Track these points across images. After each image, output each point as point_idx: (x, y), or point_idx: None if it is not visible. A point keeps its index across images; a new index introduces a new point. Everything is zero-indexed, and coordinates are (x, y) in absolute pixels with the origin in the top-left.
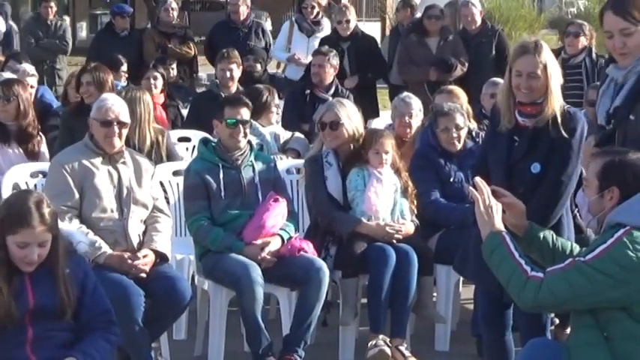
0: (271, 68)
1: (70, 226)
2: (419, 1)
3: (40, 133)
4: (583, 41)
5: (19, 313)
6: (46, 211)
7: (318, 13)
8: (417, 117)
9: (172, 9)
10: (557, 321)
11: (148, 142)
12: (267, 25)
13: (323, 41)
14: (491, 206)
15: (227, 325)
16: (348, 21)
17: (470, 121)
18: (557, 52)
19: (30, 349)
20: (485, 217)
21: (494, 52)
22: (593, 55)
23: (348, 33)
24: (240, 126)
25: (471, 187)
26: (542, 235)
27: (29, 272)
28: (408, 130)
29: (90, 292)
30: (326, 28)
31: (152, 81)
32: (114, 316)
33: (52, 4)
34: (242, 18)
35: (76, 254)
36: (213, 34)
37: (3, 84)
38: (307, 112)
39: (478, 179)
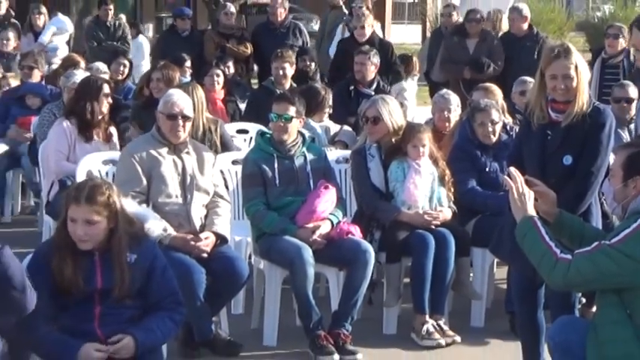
0: None
1: (142, 208)
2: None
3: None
4: (622, 43)
5: (87, 290)
6: (100, 196)
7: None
8: (455, 112)
9: (231, 13)
10: (584, 300)
11: (201, 130)
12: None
13: (340, 44)
14: (524, 194)
15: (281, 301)
16: (363, 27)
17: (505, 115)
18: (596, 53)
19: (97, 323)
20: (518, 203)
21: (535, 56)
22: (631, 57)
23: (364, 39)
24: (283, 121)
25: (505, 177)
26: (571, 222)
27: (100, 254)
28: (447, 124)
29: (158, 275)
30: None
31: (215, 78)
32: (181, 297)
33: (111, 6)
34: (280, 19)
35: (146, 238)
36: (255, 34)
37: (96, 81)
38: (352, 107)
39: (512, 169)
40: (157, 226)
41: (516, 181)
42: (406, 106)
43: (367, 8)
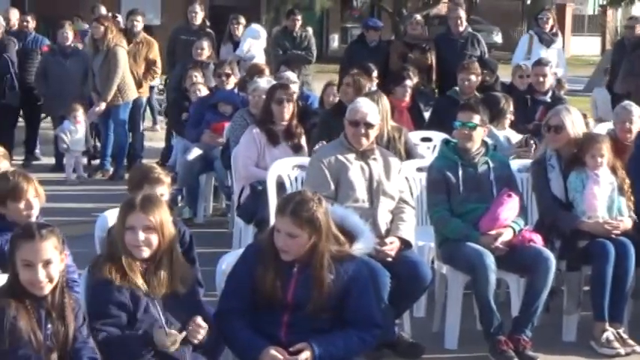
0: None
1: (361, 222)
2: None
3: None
4: None
5: (280, 299)
6: (305, 212)
7: (552, 26)
8: (636, 123)
9: (417, 23)
10: None
11: (385, 138)
12: (498, 39)
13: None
14: None
15: (462, 305)
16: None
17: None
18: None
19: (284, 331)
20: None
21: None
22: None
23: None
24: (467, 129)
25: None
26: None
27: (300, 267)
28: (629, 135)
29: (356, 295)
30: (559, 40)
31: (407, 88)
32: (377, 319)
33: (299, 16)
34: (460, 29)
35: (350, 257)
36: (435, 44)
37: (282, 87)
38: (529, 114)
39: None
40: (367, 245)
41: None
42: None
43: (553, 19)
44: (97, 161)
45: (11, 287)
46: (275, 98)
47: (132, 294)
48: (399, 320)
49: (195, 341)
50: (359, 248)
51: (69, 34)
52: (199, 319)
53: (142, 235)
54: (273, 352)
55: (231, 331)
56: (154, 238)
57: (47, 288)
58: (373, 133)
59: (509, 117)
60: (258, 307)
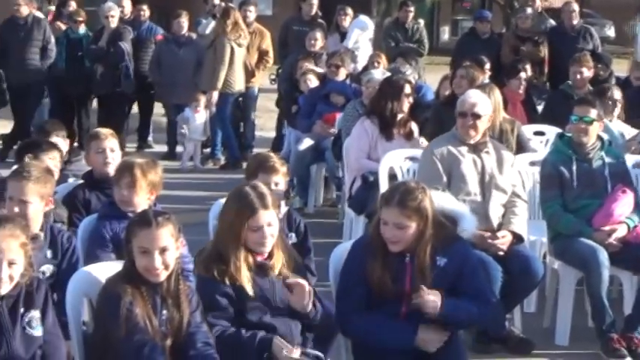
0: None
1: (459, 205)
2: None
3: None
4: None
5: (396, 291)
6: (412, 202)
7: None
8: None
9: (528, 16)
10: None
11: (497, 131)
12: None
13: None
14: None
15: (573, 301)
16: None
17: None
18: None
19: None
20: None
21: None
22: None
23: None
24: (584, 123)
25: None
26: None
27: (411, 256)
28: None
29: (468, 276)
30: None
31: (522, 80)
32: (489, 296)
33: (411, 8)
34: (574, 23)
35: (457, 240)
36: (548, 37)
37: (405, 81)
38: None
39: None
40: (470, 226)
41: None
42: None
43: None
44: (208, 150)
45: (127, 274)
46: (390, 92)
47: (234, 286)
48: (509, 315)
49: (302, 307)
50: (464, 229)
51: (185, 23)
52: (300, 280)
53: (267, 231)
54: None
55: (362, 325)
56: (275, 231)
57: (163, 275)
58: (482, 125)
59: (618, 108)
60: (373, 301)
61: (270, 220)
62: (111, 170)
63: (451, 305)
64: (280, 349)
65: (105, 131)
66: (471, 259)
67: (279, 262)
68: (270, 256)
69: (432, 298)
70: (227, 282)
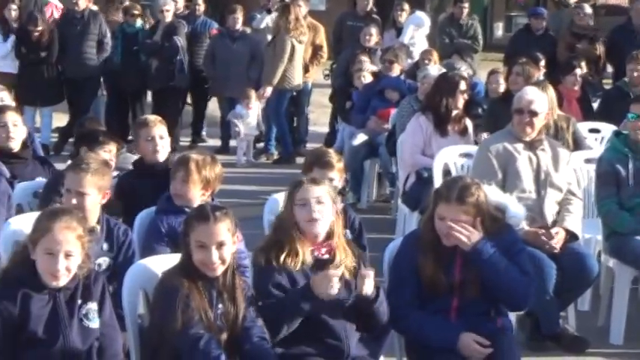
0: None
1: (504, 196)
2: None
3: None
4: None
5: (447, 283)
6: (470, 197)
7: None
8: None
9: (586, 14)
10: None
11: (552, 128)
12: None
13: None
14: None
15: (628, 300)
16: None
17: None
18: None
19: (454, 315)
20: None
21: None
22: None
23: None
24: None
25: None
26: None
27: (460, 249)
28: None
29: (513, 255)
30: None
31: (577, 77)
32: (529, 269)
33: (466, 4)
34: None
35: (507, 231)
36: (612, 35)
37: (461, 78)
38: None
39: None
40: (518, 213)
41: None
42: None
43: None
44: (262, 144)
45: (184, 267)
46: (445, 88)
47: (289, 276)
48: (563, 313)
49: (364, 292)
50: (512, 216)
51: (240, 19)
52: (364, 270)
53: (316, 207)
54: (468, 337)
55: (413, 323)
56: (327, 213)
57: (219, 269)
58: (538, 122)
59: None
60: (424, 296)
61: (318, 195)
62: (160, 157)
63: (491, 248)
64: (319, 278)
65: (153, 118)
66: (517, 244)
67: (342, 265)
68: (332, 254)
69: (467, 233)
70: (282, 271)
